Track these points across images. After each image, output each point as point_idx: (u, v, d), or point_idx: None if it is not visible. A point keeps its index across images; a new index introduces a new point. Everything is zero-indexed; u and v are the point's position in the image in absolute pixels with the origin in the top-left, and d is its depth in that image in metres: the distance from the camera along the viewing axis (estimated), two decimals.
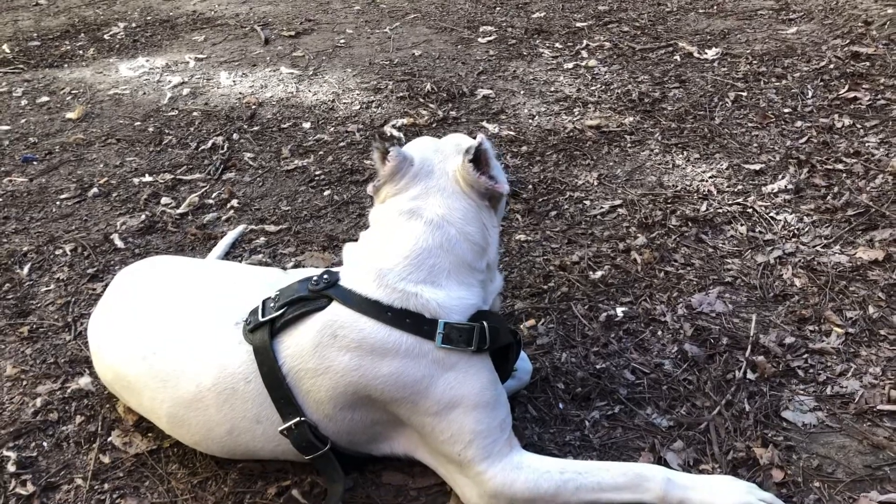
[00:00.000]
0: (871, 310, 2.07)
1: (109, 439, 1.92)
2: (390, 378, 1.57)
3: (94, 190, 3.06)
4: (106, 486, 1.81)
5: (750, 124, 3.09)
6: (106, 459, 1.87)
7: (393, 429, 1.69)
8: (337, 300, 1.60)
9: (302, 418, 1.61)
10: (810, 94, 3.22)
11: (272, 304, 1.65)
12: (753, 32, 3.91)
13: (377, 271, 1.60)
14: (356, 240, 1.73)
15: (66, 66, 4.42)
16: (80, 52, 4.61)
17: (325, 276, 1.65)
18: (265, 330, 1.62)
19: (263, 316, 1.64)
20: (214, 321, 1.72)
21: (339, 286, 1.62)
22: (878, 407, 1.80)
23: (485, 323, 1.61)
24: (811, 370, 1.92)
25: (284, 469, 1.78)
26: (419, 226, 1.63)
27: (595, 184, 2.83)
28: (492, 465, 1.60)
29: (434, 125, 3.30)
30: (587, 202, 2.72)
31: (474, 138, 1.70)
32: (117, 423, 1.97)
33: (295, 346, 1.60)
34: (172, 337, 1.73)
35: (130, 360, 1.77)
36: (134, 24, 4.96)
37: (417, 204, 1.66)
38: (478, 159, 1.66)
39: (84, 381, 2.11)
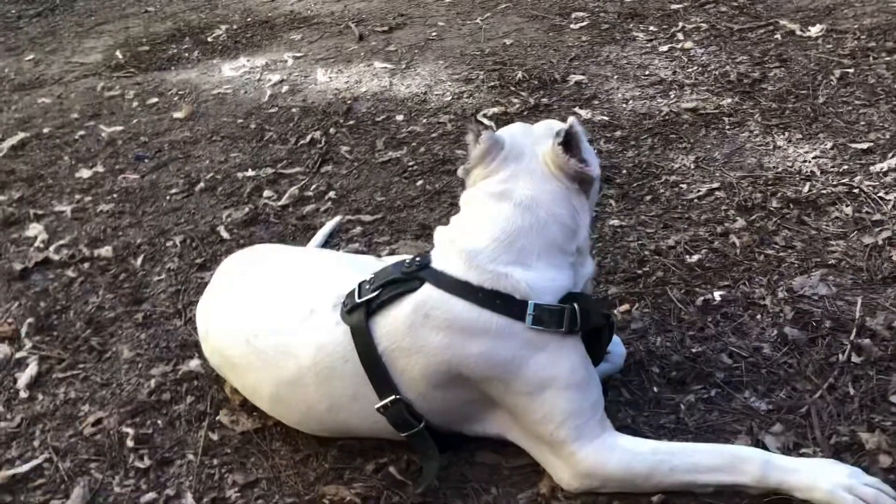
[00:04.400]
0: None
1: (218, 418, 2.03)
2: (481, 357, 1.60)
3: (201, 185, 3.21)
4: (215, 461, 1.91)
5: (857, 102, 2.96)
6: (215, 437, 1.98)
7: (485, 409, 1.71)
8: (429, 281, 1.64)
9: (397, 396, 1.66)
10: None
11: (368, 287, 1.70)
12: (862, 6, 3.73)
13: (468, 253, 1.62)
14: (448, 224, 1.77)
15: (173, 68, 4.64)
16: (186, 54, 4.82)
17: (418, 259, 1.69)
18: (362, 311, 1.68)
19: (360, 298, 1.69)
20: (313, 304, 1.79)
21: (431, 268, 1.66)
22: None
23: (575, 305, 1.62)
24: None
25: (381, 447, 1.83)
26: (508, 207, 1.65)
27: (692, 167, 2.77)
28: (584, 446, 1.61)
29: (525, 113, 3.30)
30: (683, 186, 2.67)
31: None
32: (224, 402, 2.07)
33: (390, 326, 1.65)
34: (273, 320, 1.81)
35: (235, 342, 1.87)
36: (235, 26, 5.15)
37: (507, 186, 1.68)
38: (568, 142, 1.66)
39: (194, 364, 2.22)
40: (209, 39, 4.98)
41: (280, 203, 2.99)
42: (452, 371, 1.63)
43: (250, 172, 3.25)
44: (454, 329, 1.60)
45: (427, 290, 1.63)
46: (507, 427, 1.72)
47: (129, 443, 2.00)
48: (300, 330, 1.76)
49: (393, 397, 1.66)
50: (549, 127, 1.78)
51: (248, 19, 5.24)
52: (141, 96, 4.23)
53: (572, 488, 1.64)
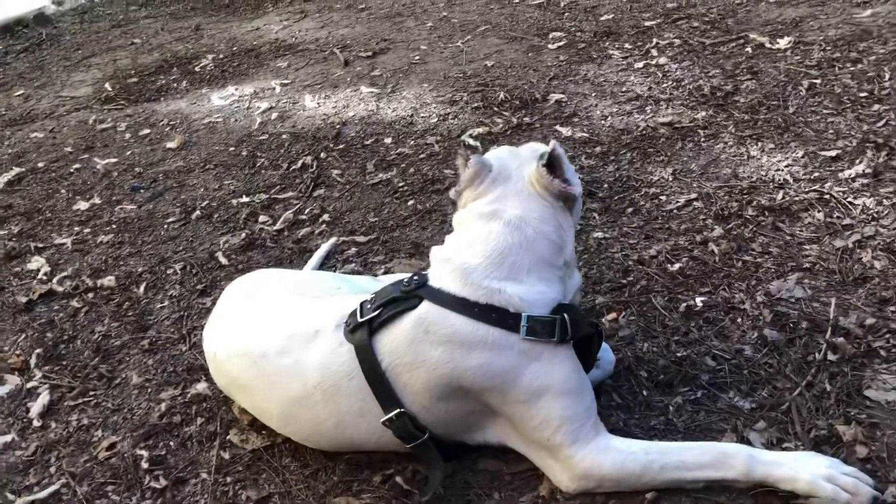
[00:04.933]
0: None
1: (228, 437, 2.11)
2: (480, 369, 1.70)
3: (197, 212, 3.30)
4: (228, 479, 2.00)
5: (825, 111, 3.10)
6: (226, 455, 2.06)
7: (486, 418, 1.81)
8: (427, 299, 1.74)
9: (402, 409, 1.75)
10: (887, 76, 3.20)
11: (369, 306, 1.80)
12: (826, 18, 3.88)
13: (462, 270, 1.73)
14: (442, 243, 1.87)
15: (162, 99, 4.73)
16: (175, 84, 4.92)
17: (416, 278, 1.79)
18: (364, 330, 1.77)
19: (362, 317, 1.79)
20: (317, 325, 1.88)
21: (429, 286, 1.76)
22: None
23: (565, 315, 1.72)
24: (894, 349, 1.95)
25: (387, 459, 1.92)
26: (499, 226, 1.76)
27: (670, 179, 2.89)
28: (580, 449, 1.71)
29: (509, 132, 3.42)
30: (663, 197, 2.79)
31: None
32: (234, 422, 2.16)
33: (392, 343, 1.75)
34: (279, 342, 1.90)
35: (242, 365, 1.95)
36: (221, 55, 5.25)
37: (496, 207, 1.78)
38: (551, 164, 1.77)
39: (201, 387, 2.31)
40: (196, 69, 5.09)
41: (275, 227, 3.09)
42: (453, 383, 1.72)
43: (245, 199, 3.34)
44: (453, 343, 1.70)
45: (426, 307, 1.73)
46: (506, 435, 1.82)
47: (144, 465, 2.08)
48: (306, 350, 1.85)
49: (398, 411, 1.76)
50: (534, 150, 1.89)
51: (234, 48, 5.35)
52: (133, 128, 4.32)
53: (571, 490, 1.73)
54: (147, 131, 4.24)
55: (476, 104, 3.74)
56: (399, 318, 1.75)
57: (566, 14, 4.72)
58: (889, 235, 2.34)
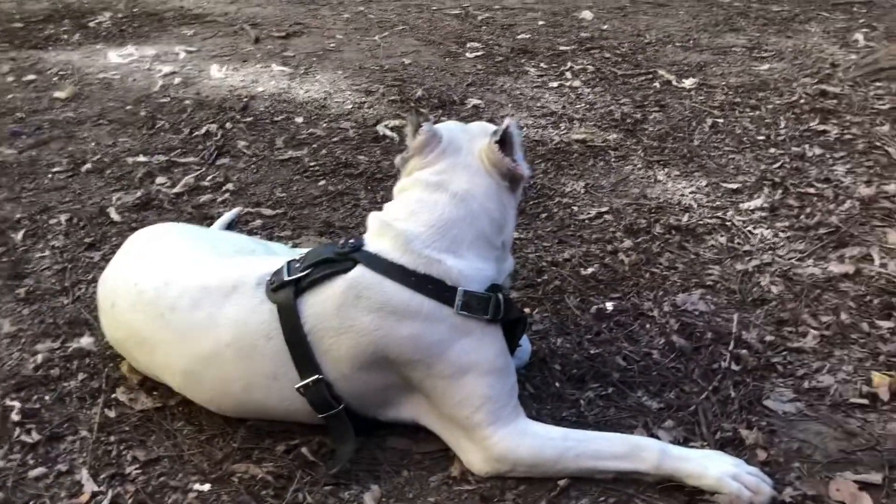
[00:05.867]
0: (843, 316, 2.22)
1: (114, 396, 1.96)
2: (409, 339, 1.65)
3: (88, 166, 3.08)
4: (112, 438, 1.84)
5: (726, 148, 3.27)
6: (111, 414, 1.90)
7: (403, 394, 1.76)
8: (362, 263, 1.67)
9: (320, 376, 1.68)
10: (783, 124, 3.42)
11: (298, 265, 1.72)
12: (728, 66, 4.12)
13: (403, 237, 1.68)
14: (380, 209, 1.81)
15: (51, 48, 4.42)
16: (65, 36, 4.61)
17: (352, 241, 1.73)
18: (290, 289, 1.69)
19: (289, 276, 1.70)
20: (234, 281, 1.77)
21: (365, 250, 1.70)
22: (850, 400, 1.93)
23: (500, 294, 1.71)
24: (790, 366, 2.05)
25: (292, 430, 1.83)
26: (445, 198, 1.72)
27: (582, 192, 2.96)
28: (498, 430, 1.68)
29: None
30: (575, 208, 2.85)
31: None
32: (121, 381, 2.00)
33: (319, 306, 1.67)
34: (191, 295, 1.78)
35: (146, 316, 1.81)
36: (120, 15, 4.98)
37: (443, 178, 1.75)
38: (503, 141, 1.76)
39: (85, 341, 2.13)
40: (91, 24, 4.79)
41: (174, 191, 2.92)
42: (379, 353, 1.66)
43: (141, 158, 3.15)
44: (386, 311, 1.64)
45: (360, 271, 1.67)
46: (421, 413, 1.77)
47: (15, 416, 1.89)
48: (222, 306, 1.74)
49: (315, 377, 1.68)
50: (484, 127, 1.87)
51: (135, 9, 5.08)
52: (16, 72, 4.00)
53: (483, 472, 1.70)
54: (33, 77, 3.94)
55: (393, 97, 3.70)
56: (330, 280, 1.68)
57: (483, 27, 4.78)
58: (785, 264, 2.48)
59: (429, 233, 1.69)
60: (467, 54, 4.32)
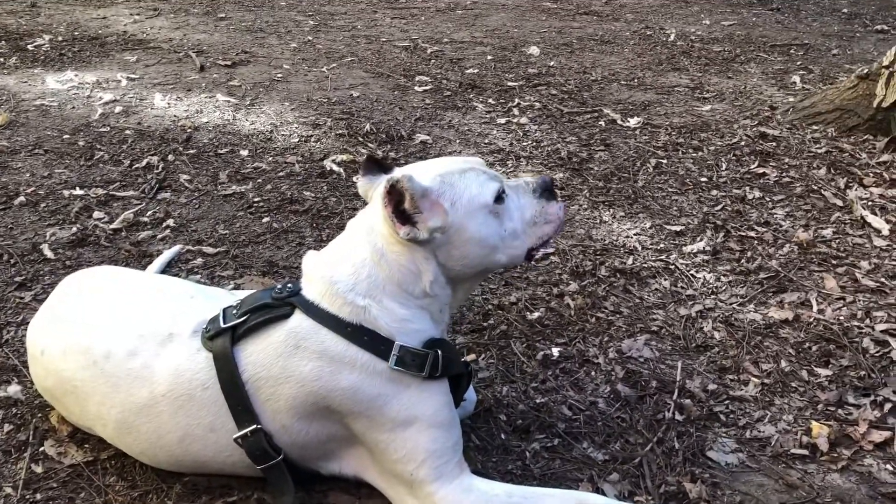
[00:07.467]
0: (783, 363, 2.25)
1: (42, 449, 1.86)
2: (349, 391, 1.61)
3: (21, 199, 2.97)
4: (38, 496, 1.75)
5: (670, 189, 3.32)
6: (38, 469, 1.81)
7: (345, 447, 1.71)
8: (300, 309, 1.63)
9: (258, 426, 1.62)
10: (724, 166, 3.49)
11: (234, 312, 1.67)
12: (671, 106, 4.20)
13: (329, 281, 1.64)
14: (318, 249, 1.78)
15: None
16: (1, 59, 4.47)
17: (290, 286, 1.68)
18: (226, 337, 1.63)
19: (225, 323, 1.65)
20: (170, 329, 1.71)
21: (301, 295, 1.66)
22: (791, 451, 1.95)
23: (439, 351, 1.67)
24: (732, 415, 2.07)
25: (230, 485, 1.77)
26: (363, 241, 1.67)
27: None
28: (442, 486, 1.65)
29: None
30: None
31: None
32: (50, 433, 1.91)
33: (258, 354, 1.62)
34: (126, 343, 1.71)
35: (78, 364, 1.74)
36: (60, 38, 4.85)
37: (368, 222, 1.70)
38: (397, 194, 1.60)
39: (13, 389, 2.03)
40: (30, 47, 4.66)
41: (112, 226, 2.83)
42: (320, 402, 1.62)
43: (78, 191, 3.05)
44: (324, 359, 1.60)
45: (298, 319, 1.63)
46: (363, 467, 1.73)
47: None
48: (157, 355, 1.68)
49: (253, 427, 1.62)
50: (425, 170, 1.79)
51: (76, 33, 4.96)
52: None
53: None
54: None
55: (340, 131, 3.67)
56: (267, 327, 1.63)
57: (432, 61, 4.80)
58: (727, 309, 2.51)
59: (352, 278, 1.64)
60: (416, 88, 4.32)
